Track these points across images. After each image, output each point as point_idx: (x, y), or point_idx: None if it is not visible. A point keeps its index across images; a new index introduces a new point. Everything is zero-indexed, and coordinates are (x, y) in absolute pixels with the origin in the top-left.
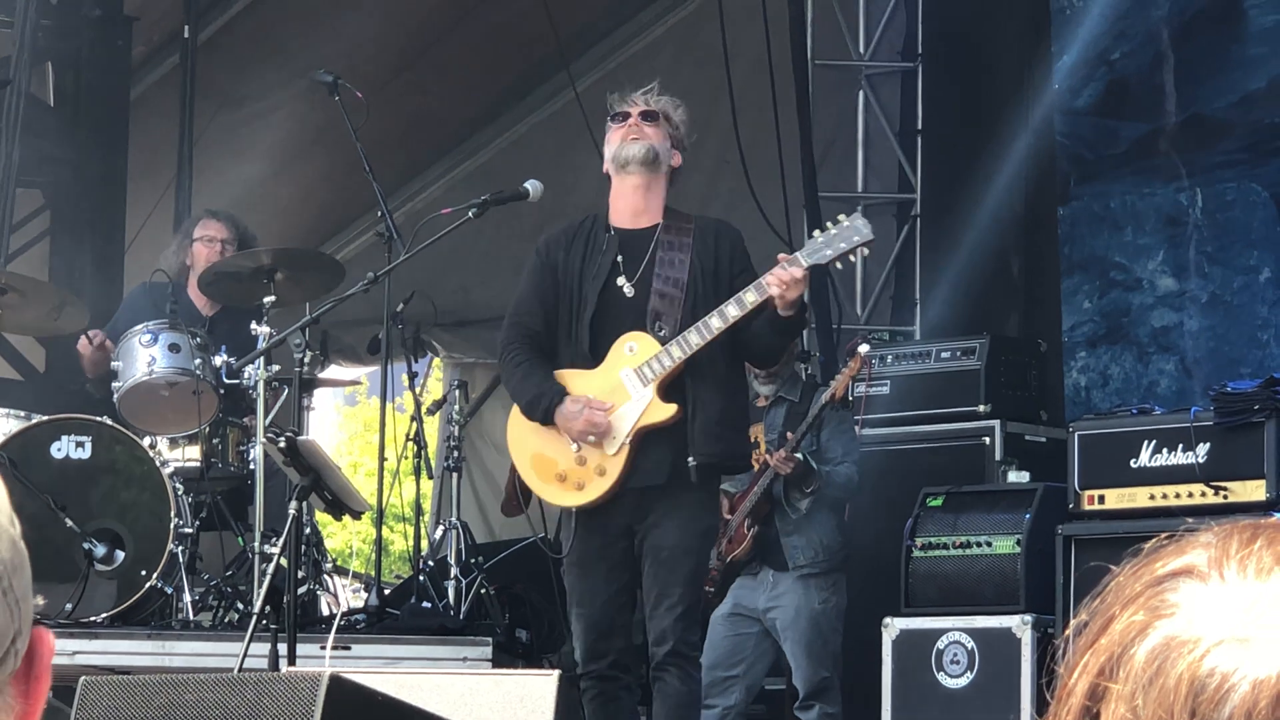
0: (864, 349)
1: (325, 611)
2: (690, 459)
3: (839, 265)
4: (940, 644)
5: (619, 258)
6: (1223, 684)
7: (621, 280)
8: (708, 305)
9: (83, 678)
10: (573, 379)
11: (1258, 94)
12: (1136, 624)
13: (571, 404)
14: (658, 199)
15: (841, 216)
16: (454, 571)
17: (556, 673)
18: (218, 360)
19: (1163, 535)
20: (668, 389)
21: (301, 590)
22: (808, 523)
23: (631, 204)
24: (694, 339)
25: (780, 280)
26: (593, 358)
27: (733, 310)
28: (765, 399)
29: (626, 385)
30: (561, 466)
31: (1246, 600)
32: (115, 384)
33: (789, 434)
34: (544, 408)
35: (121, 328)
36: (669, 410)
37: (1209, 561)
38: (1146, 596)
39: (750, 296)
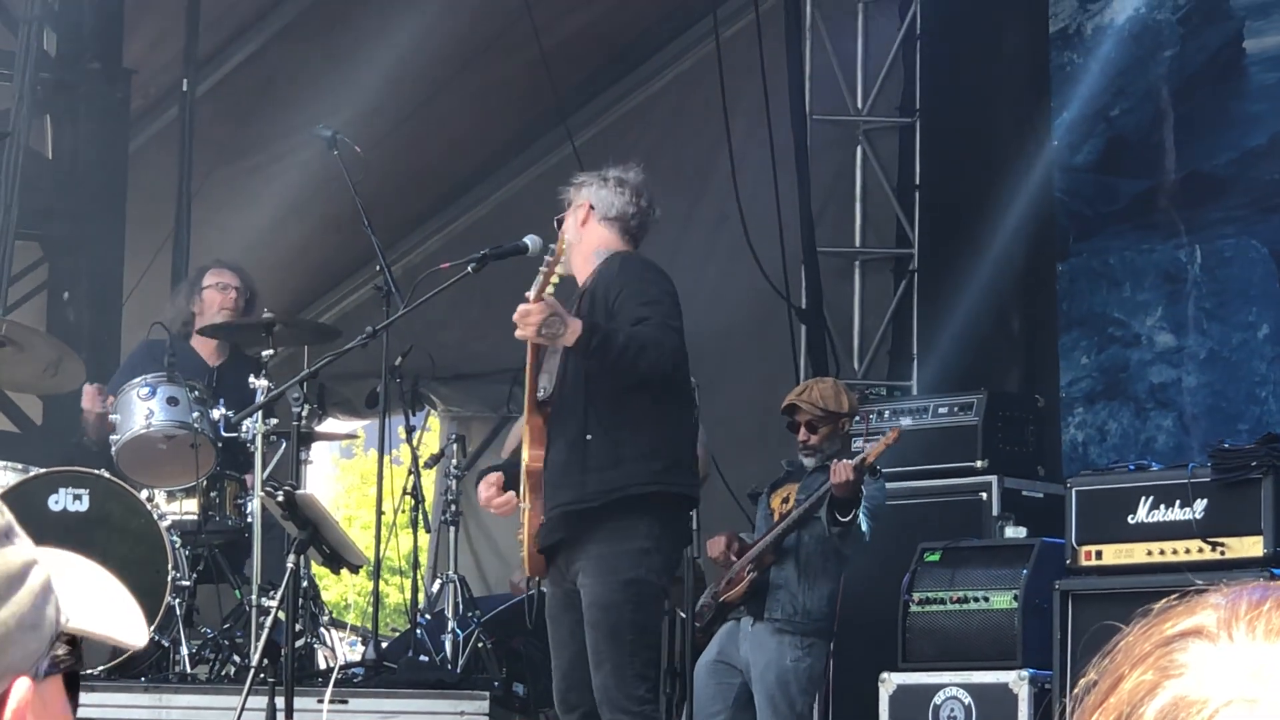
0: (906, 422)
1: (322, 665)
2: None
3: (550, 288)
4: (937, 699)
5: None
6: None
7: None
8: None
9: None
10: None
11: (1258, 150)
12: (1146, 684)
13: (480, 488)
14: (582, 260)
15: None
16: (451, 625)
17: None
18: (216, 413)
19: (1173, 595)
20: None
21: (299, 643)
22: (800, 583)
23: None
24: (537, 397)
25: (515, 318)
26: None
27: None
28: (809, 469)
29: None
30: (524, 541)
31: (1255, 662)
32: (113, 437)
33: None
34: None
35: (126, 378)
36: (528, 463)
37: (1218, 623)
38: (1156, 656)
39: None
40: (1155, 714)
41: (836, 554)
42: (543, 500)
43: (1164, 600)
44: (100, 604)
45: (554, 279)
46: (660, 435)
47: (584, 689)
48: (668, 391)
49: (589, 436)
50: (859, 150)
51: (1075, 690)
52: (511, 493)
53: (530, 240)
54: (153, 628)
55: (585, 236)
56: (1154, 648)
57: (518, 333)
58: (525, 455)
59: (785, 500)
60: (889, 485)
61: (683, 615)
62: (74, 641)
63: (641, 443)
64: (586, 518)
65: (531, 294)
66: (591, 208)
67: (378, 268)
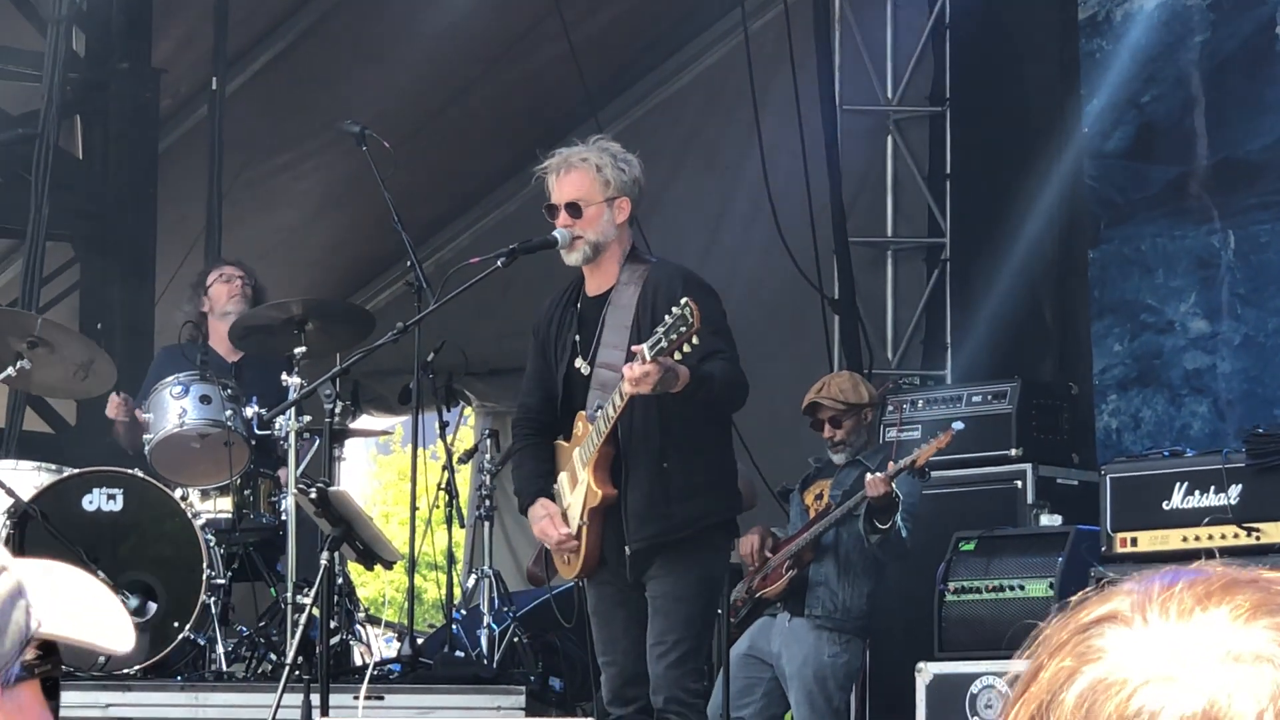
0: (957, 425)
1: (358, 661)
2: (626, 547)
3: (677, 355)
4: (974, 688)
5: (576, 337)
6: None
7: (579, 361)
8: None
9: None
10: (561, 456)
11: None
12: (1065, 670)
13: (538, 509)
14: (613, 262)
15: (675, 307)
16: (487, 620)
17: None
18: (249, 411)
19: (1087, 589)
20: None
21: (334, 640)
22: (840, 580)
23: (589, 276)
24: (601, 425)
25: (630, 379)
26: (568, 434)
27: (617, 402)
28: (839, 464)
29: (577, 468)
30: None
31: (1169, 641)
32: (146, 436)
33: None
34: (521, 505)
35: (147, 392)
36: (600, 493)
37: (1132, 606)
38: (1073, 644)
39: (625, 389)
40: (1075, 699)
41: (876, 554)
42: (601, 525)
43: (1080, 593)
44: (81, 610)
45: (686, 349)
46: (727, 463)
47: (640, 683)
48: (727, 420)
49: (665, 465)
50: (889, 140)
51: (1009, 679)
52: (569, 533)
53: (560, 234)
54: (189, 626)
55: (620, 234)
56: (1070, 635)
57: (627, 389)
58: (589, 477)
59: (819, 496)
60: None
61: (718, 611)
62: (50, 648)
63: (714, 470)
64: (639, 557)
65: (650, 353)
66: (626, 209)
67: (408, 264)
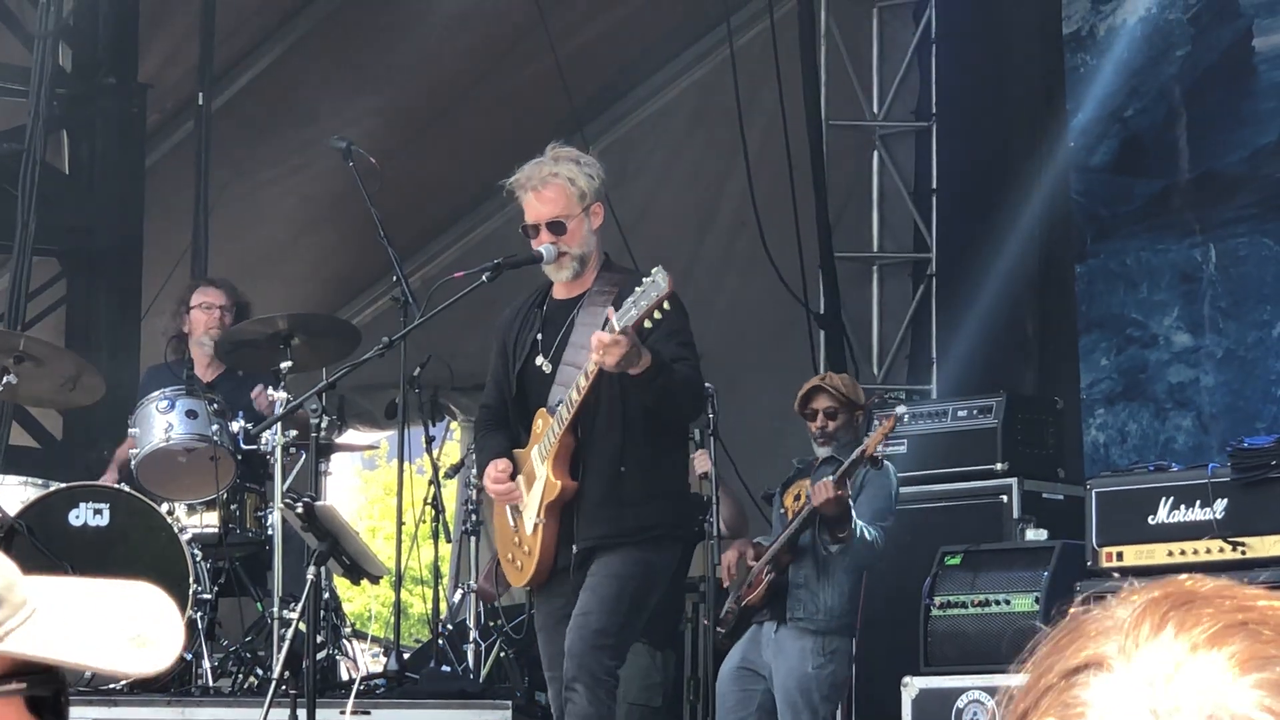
0: (900, 410)
1: (344, 676)
2: (574, 545)
3: (648, 323)
4: (960, 703)
5: (539, 335)
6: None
7: (540, 359)
8: (613, 378)
9: None
10: (519, 459)
11: (1268, 149)
12: (1039, 710)
13: (490, 468)
14: (591, 269)
15: (647, 275)
16: (473, 635)
17: None
18: (235, 426)
19: (1091, 593)
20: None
21: (321, 655)
22: (820, 581)
23: (560, 281)
24: (564, 413)
25: (597, 346)
26: (526, 436)
27: (581, 383)
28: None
29: (535, 464)
30: (509, 548)
31: (1152, 697)
32: (132, 451)
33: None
34: (480, 474)
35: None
36: (558, 485)
37: (1118, 649)
38: (1058, 691)
39: (589, 368)
40: None
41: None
42: (558, 520)
43: (1072, 608)
44: (79, 632)
45: (656, 315)
46: (679, 474)
47: None
48: (683, 432)
49: (623, 469)
50: (875, 155)
51: (998, 699)
52: (514, 485)
53: (545, 250)
54: None
55: (595, 242)
56: (1057, 679)
57: (594, 358)
58: (548, 470)
59: (798, 498)
60: (909, 490)
61: (705, 623)
62: (35, 669)
63: (667, 480)
64: (585, 556)
65: (619, 323)
66: (600, 214)
67: (395, 279)
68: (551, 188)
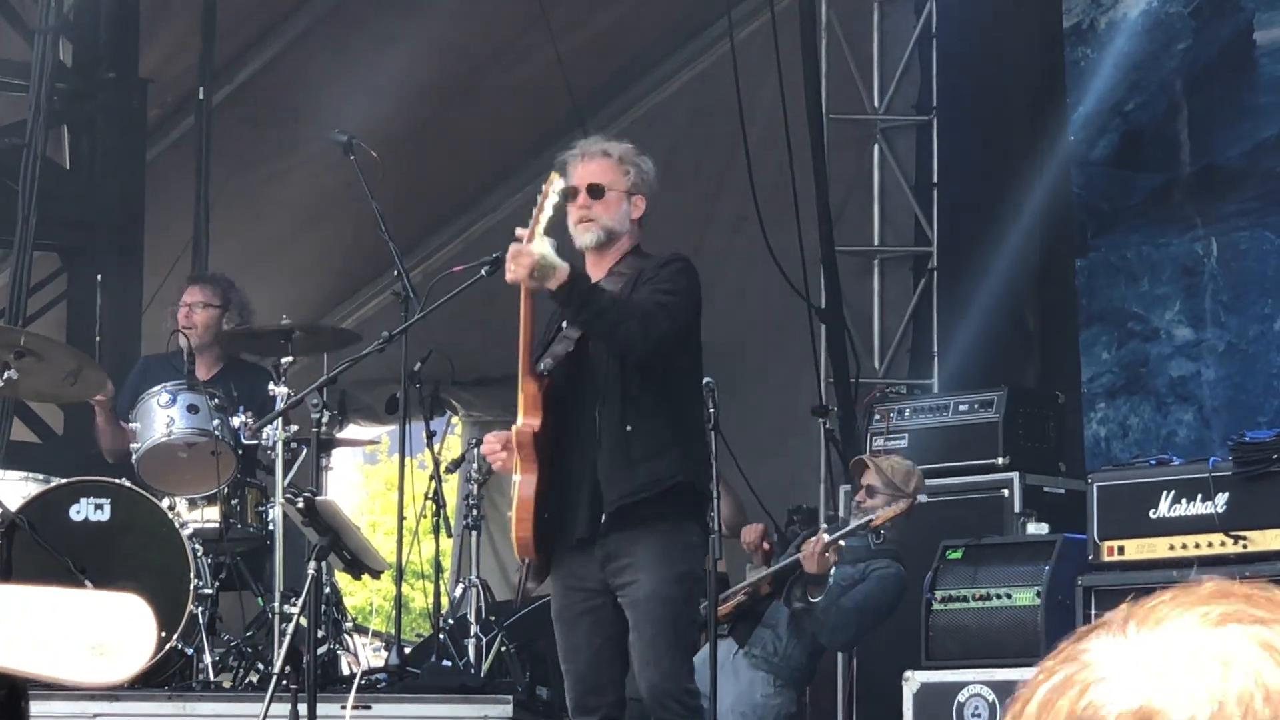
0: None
1: (346, 671)
2: (601, 513)
3: (542, 221)
4: (961, 697)
5: (563, 323)
6: (1094, 715)
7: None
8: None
9: None
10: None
11: (1269, 143)
12: (1047, 669)
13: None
14: (616, 255)
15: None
16: (474, 629)
17: None
18: (236, 421)
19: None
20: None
21: (322, 650)
22: (789, 628)
23: (590, 267)
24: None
25: (509, 255)
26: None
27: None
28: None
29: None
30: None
31: (1138, 644)
32: (133, 445)
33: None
34: None
35: (129, 401)
36: (515, 427)
37: (1123, 615)
38: (1066, 651)
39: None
40: (1042, 695)
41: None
42: (534, 472)
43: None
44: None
45: (545, 216)
46: (688, 428)
47: (603, 691)
48: (690, 389)
49: (629, 428)
50: (876, 149)
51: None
52: (496, 447)
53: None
54: (176, 636)
55: (632, 231)
56: (1069, 644)
57: (509, 275)
58: (520, 423)
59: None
60: None
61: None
62: None
63: (678, 435)
64: (637, 509)
65: (526, 232)
66: (641, 207)
67: (396, 273)
68: (601, 160)
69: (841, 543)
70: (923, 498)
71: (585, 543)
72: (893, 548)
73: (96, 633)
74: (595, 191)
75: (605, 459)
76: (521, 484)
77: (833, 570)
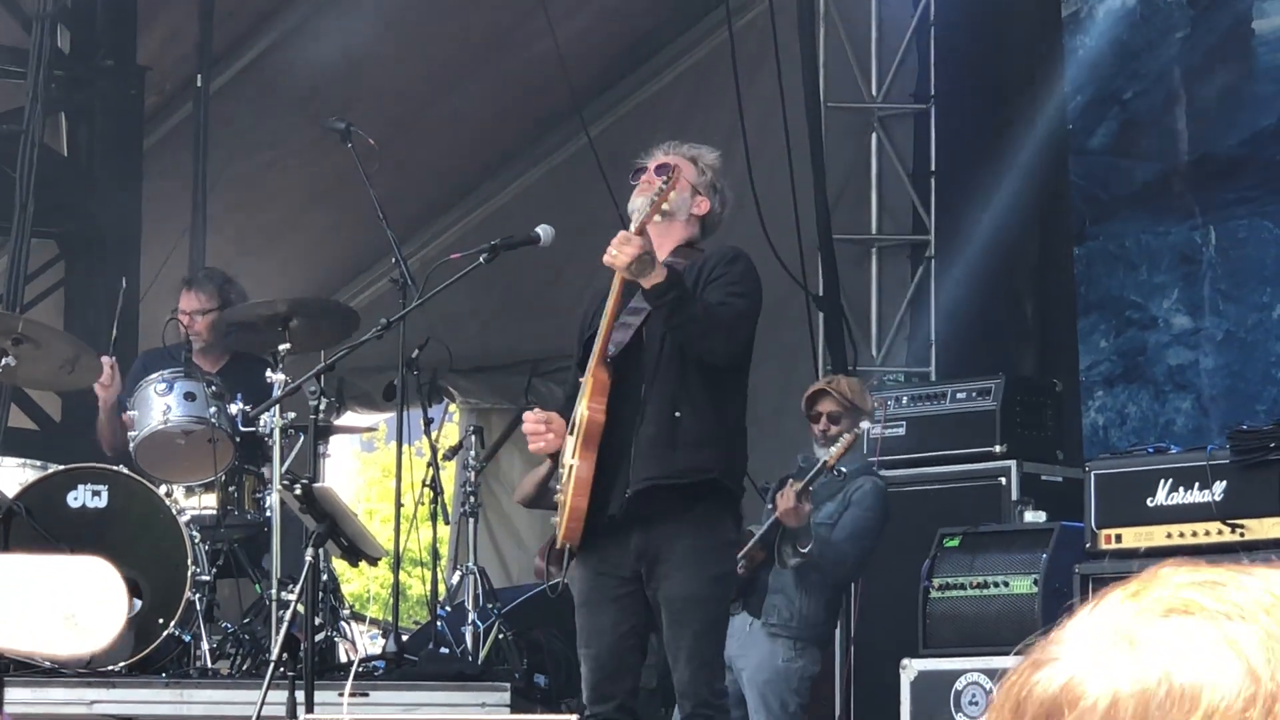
0: (864, 425)
1: (343, 658)
2: (627, 489)
3: (659, 217)
4: (959, 685)
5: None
6: (1028, 695)
7: (622, 333)
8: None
9: None
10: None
11: (1268, 131)
12: (1028, 646)
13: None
14: (669, 242)
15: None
16: (472, 617)
17: (574, 718)
18: (233, 408)
19: None
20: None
21: (319, 637)
22: (797, 587)
23: None
24: (600, 350)
25: (612, 245)
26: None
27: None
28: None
29: (577, 407)
30: (558, 511)
31: (1084, 626)
32: (131, 433)
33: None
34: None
35: (130, 394)
36: (585, 417)
37: (1099, 598)
38: (1052, 633)
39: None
40: (1006, 677)
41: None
42: (593, 457)
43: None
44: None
45: (658, 216)
46: (737, 428)
47: (620, 679)
48: (742, 388)
49: (678, 414)
50: (874, 137)
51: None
52: (541, 427)
53: (543, 230)
54: (174, 623)
55: (689, 224)
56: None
57: (607, 258)
58: (583, 406)
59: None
60: (907, 472)
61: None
62: None
63: (723, 430)
64: (674, 496)
65: (634, 226)
66: (703, 208)
67: (394, 260)
68: (679, 155)
69: (810, 488)
70: (865, 426)
71: (619, 527)
72: (862, 464)
73: (69, 602)
74: (664, 170)
75: (646, 440)
76: (580, 467)
77: (810, 517)
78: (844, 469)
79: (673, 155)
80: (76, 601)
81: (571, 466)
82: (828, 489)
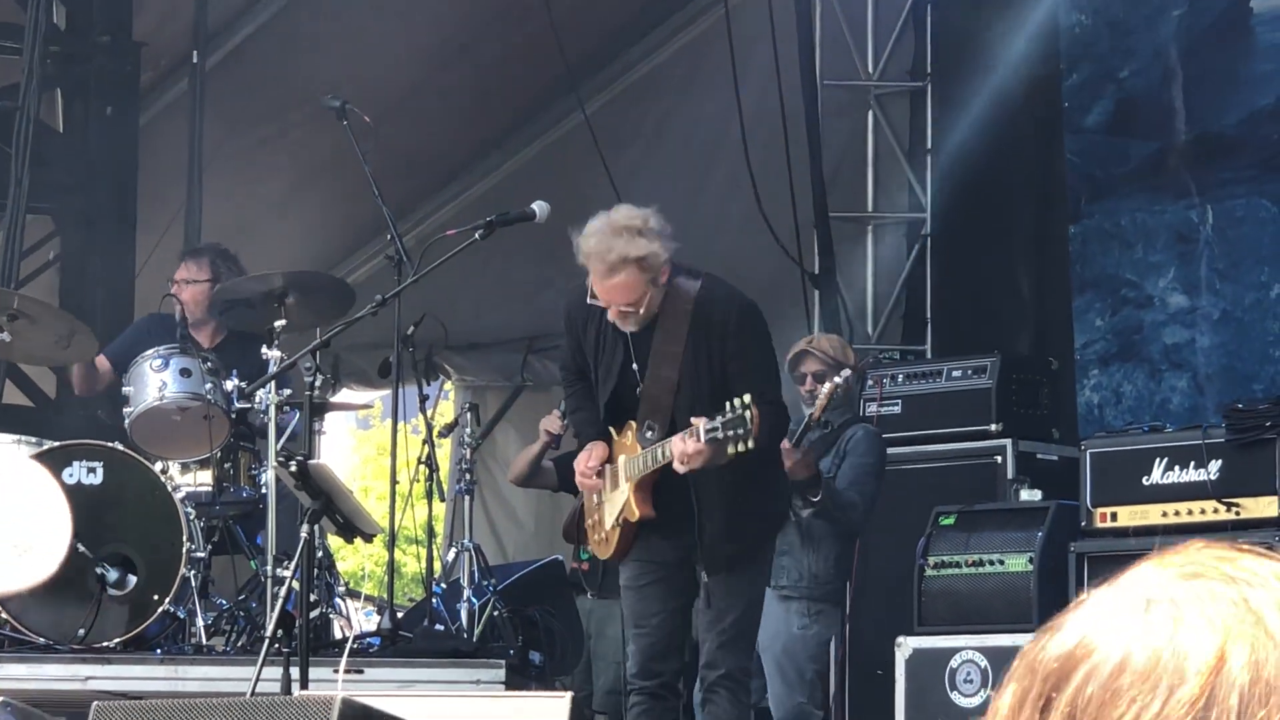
0: (844, 374)
1: (338, 635)
2: (703, 574)
3: (731, 450)
4: (953, 663)
5: (630, 346)
6: (1042, 657)
7: (635, 366)
8: (699, 400)
9: (95, 703)
10: (614, 448)
11: (1265, 110)
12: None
13: (585, 455)
14: (656, 304)
15: (737, 402)
16: (467, 594)
17: (569, 695)
18: (229, 385)
19: None
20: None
21: (314, 613)
22: (804, 548)
23: None
24: (649, 460)
25: (680, 455)
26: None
27: (659, 456)
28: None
29: (620, 473)
30: (591, 514)
31: (1106, 593)
32: (126, 409)
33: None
34: (579, 439)
35: (124, 352)
36: (638, 514)
37: (1123, 573)
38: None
39: (659, 455)
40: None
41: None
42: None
43: None
44: None
45: (741, 448)
46: (781, 475)
47: (669, 657)
48: None
49: (739, 498)
50: (870, 115)
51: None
52: (599, 482)
53: (538, 207)
54: (168, 599)
55: (659, 288)
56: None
57: (677, 465)
58: (633, 504)
59: None
60: (903, 450)
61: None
62: None
63: (775, 488)
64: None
65: (705, 437)
66: (665, 269)
67: (389, 237)
68: (623, 276)
69: (805, 442)
70: (844, 374)
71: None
72: (849, 414)
73: (15, 531)
74: (629, 305)
75: (717, 528)
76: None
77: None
78: (832, 421)
79: (620, 280)
80: (22, 529)
81: (616, 527)
82: (823, 441)
